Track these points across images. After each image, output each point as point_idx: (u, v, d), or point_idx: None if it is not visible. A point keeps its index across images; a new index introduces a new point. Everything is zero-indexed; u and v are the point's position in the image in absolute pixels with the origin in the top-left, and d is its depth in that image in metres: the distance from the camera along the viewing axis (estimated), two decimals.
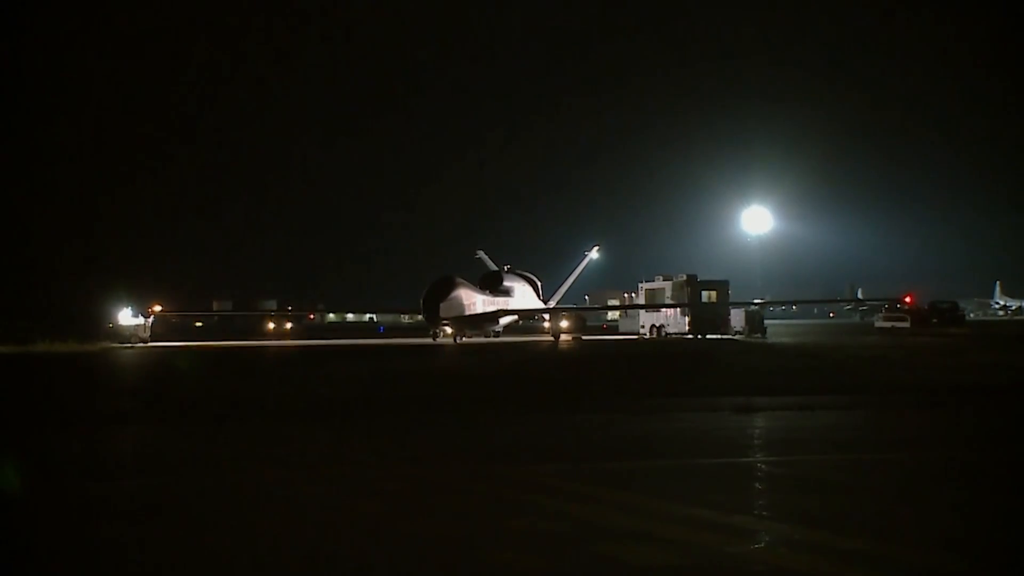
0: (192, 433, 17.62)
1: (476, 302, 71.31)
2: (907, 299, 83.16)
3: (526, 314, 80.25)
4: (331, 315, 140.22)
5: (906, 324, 79.89)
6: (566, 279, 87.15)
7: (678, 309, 73.13)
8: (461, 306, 68.96)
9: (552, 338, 71.38)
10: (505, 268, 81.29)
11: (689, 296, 72.44)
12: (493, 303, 74.40)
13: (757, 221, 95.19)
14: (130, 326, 71.50)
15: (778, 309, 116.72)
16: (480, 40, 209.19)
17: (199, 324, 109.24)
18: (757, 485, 12.02)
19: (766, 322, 73.55)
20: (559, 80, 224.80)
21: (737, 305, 74.57)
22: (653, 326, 74.49)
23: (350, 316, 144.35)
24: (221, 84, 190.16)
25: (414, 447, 15.36)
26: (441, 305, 67.42)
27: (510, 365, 39.67)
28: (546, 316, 79.48)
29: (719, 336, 68.56)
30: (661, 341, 67.74)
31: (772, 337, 65.82)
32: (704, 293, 72.99)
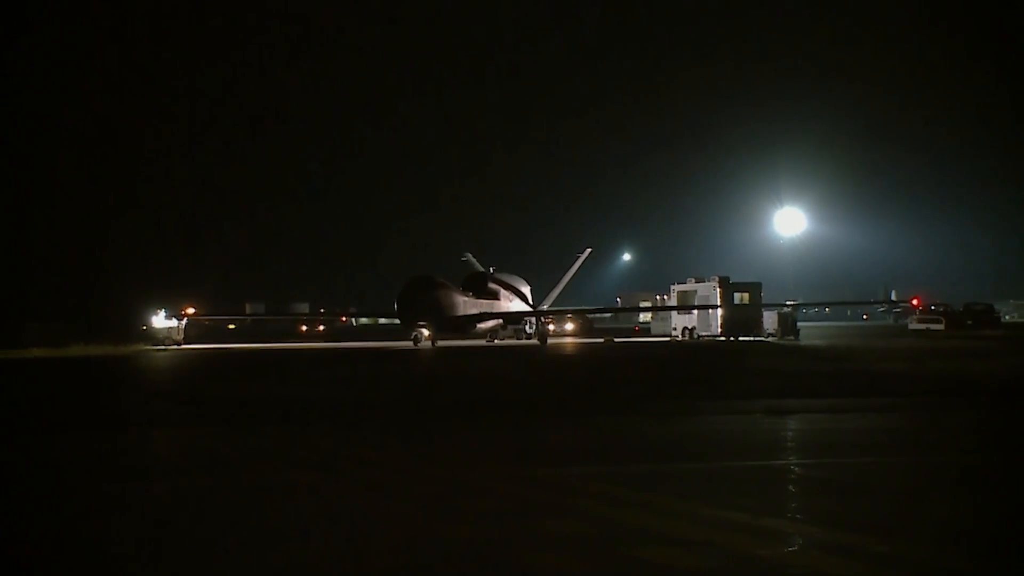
0: (221, 435, 17.66)
1: (457, 304, 68.90)
2: (913, 301, 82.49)
3: (513, 318, 77.91)
4: (363, 319, 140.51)
5: (940, 326, 79.31)
6: (558, 282, 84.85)
7: (711, 311, 72.77)
8: (439, 307, 66.36)
9: (538, 342, 70.22)
10: (491, 270, 79.68)
11: (721, 298, 72.16)
12: (476, 305, 72.11)
13: (790, 222, 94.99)
14: (163, 328, 72.09)
15: (811, 311, 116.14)
16: (507, 43, 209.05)
17: (232, 327, 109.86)
18: (790, 488, 11.91)
19: (799, 324, 73.25)
20: (589, 84, 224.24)
21: (769, 307, 74.26)
22: (685, 328, 74.29)
23: (382, 320, 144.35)
24: (253, 86, 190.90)
25: (441, 449, 15.31)
26: (417, 306, 65.12)
27: (524, 368, 39.62)
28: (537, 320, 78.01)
29: (751, 338, 68.33)
30: (693, 343, 67.47)
31: (805, 339, 65.50)
32: (736, 295, 72.71)
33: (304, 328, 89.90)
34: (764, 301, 74.75)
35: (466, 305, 70.47)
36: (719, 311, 71.98)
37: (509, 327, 78.98)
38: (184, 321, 74.59)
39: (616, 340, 70.20)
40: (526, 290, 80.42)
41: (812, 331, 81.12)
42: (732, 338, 69.16)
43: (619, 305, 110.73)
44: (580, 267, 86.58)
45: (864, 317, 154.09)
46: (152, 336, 71.08)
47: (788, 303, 79.44)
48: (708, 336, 71.66)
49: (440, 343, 65.01)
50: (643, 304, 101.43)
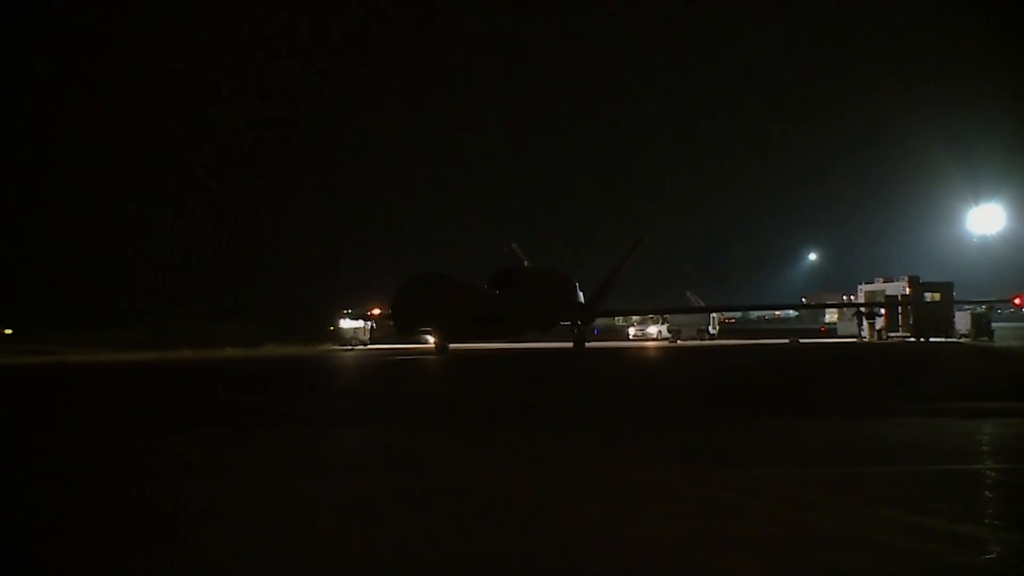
0: (399, 433, 17.99)
1: (471, 304, 61.94)
2: (1016, 300, 77.83)
3: (548, 319, 71.01)
4: None
5: None
6: (609, 277, 77.69)
7: (900, 311, 70.78)
8: (445, 310, 59.07)
9: (572, 344, 67.21)
10: (525, 263, 74.21)
11: (912, 298, 70.31)
12: (498, 304, 65.24)
13: (987, 220, 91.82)
14: (350, 329, 74.08)
15: (1006, 311, 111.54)
16: (705, 40, 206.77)
17: None
18: (987, 493, 11.44)
19: (993, 325, 70.65)
20: (784, 86, 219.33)
21: (962, 305, 71.84)
22: (873, 328, 72.53)
23: None
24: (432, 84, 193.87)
25: (618, 450, 15.24)
26: (416, 310, 58.89)
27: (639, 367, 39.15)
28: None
29: (943, 339, 66.24)
30: (882, 344, 65.70)
31: (1000, 340, 63.03)
32: (927, 295, 70.80)
33: None
34: (956, 300, 72.40)
35: (487, 305, 64.13)
36: (910, 311, 69.96)
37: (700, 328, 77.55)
38: (371, 322, 76.30)
39: (801, 341, 68.96)
40: (571, 287, 73.49)
41: (1007, 332, 77.85)
42: (922, 339, 67.22)
43: (805, 303, 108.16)
44: (633, 259, 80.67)
45: None
46: (340, 336, 73.18)
47: (983, 303, 76.41)
48: (898, 336, 69.87)
49: (521, 344, 62.17)
50: (829, 302, 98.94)
